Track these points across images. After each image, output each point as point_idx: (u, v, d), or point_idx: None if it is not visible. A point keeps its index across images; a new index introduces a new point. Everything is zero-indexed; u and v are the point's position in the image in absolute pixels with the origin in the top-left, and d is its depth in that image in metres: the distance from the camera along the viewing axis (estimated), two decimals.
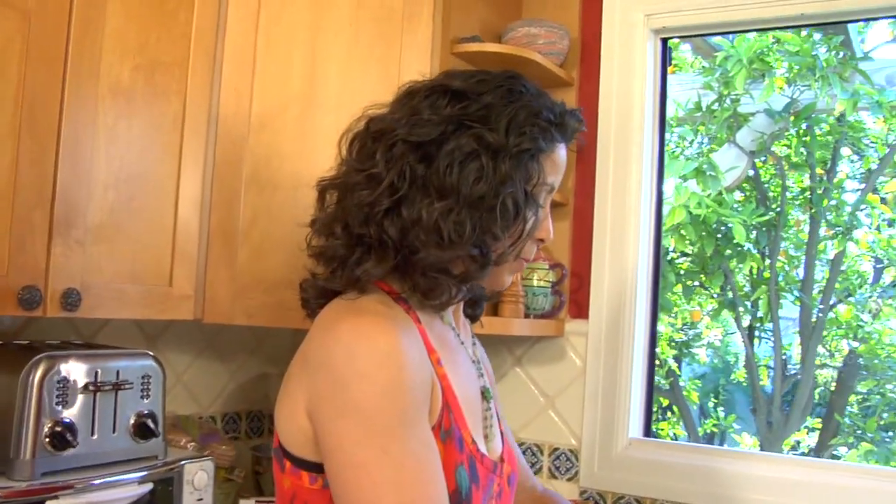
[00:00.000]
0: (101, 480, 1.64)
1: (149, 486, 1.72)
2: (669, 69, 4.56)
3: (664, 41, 2.30)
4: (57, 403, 1.62)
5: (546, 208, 1.18)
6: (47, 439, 1.60)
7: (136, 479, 1.70)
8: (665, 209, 3.99)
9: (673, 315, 5.54)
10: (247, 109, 1.94)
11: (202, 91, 1.88)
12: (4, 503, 1.54)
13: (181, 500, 1.79)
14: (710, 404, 6.38)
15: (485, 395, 1.23)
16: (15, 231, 1.54)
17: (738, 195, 4.72)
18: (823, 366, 5.37)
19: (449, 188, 1.07)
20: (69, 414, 1.63)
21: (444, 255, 1.07)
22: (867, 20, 3.30)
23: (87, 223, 1.66)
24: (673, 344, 5.54)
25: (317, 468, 1.06)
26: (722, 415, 6.03)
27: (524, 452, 2.31)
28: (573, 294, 2.29)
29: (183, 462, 1.80)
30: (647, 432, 2.27)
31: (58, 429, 1.61)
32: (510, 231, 1.11)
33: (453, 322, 1.24)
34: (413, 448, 0.99)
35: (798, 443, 5.20)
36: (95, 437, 1.67)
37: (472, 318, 1.35)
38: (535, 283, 2.20)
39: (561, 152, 1.17)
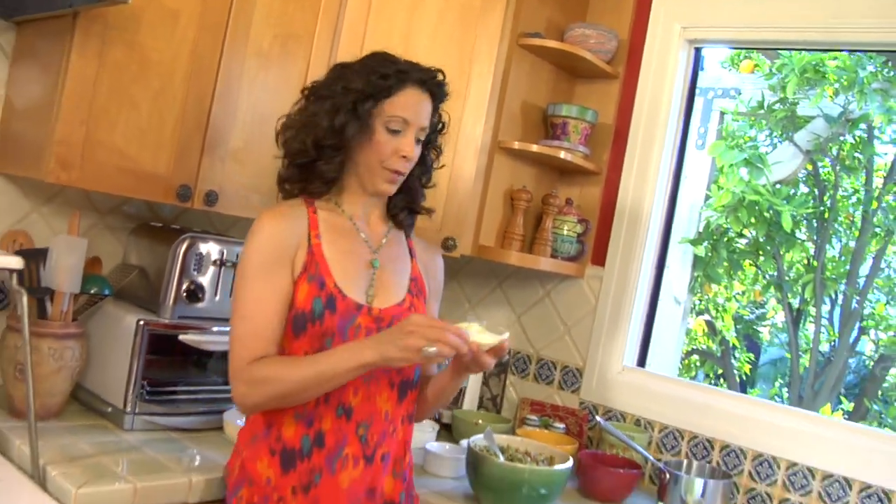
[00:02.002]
0: (218, 328, 2.32)
1: None
2: (748, 66, 4.97)
3: (697, 49, 2.79)
4: (194, 270, 2.29)
5: (408, 134, 1.77)
6: (184, 293, 2.27)
7: None
8: (715, 191, 4.45)
9: (740, 293, 5.96)
10: None
11: (322, 56, 2.47)
12: (154, 332, 2.22)
13: None
14: (778, 383, 6.74)
15: (372, 264, 1.81)
16: (179, 146, 2.19)
17: (803, 188, 5.11)
18: (865, 356, 5.71)
19: (301, 117, 1.83)
20: (201, 278, 2.30)
21: (294, 159, 1.83)
22: (884, 51, 3.63)
23: (228, 146, 2.30)
24: (738, 320, 5.97)
25: None
26: (776, 389, 6.41)
27: (541, 367, 2.90)
28: (596, 245, 2.83)
29: None
30: (641, 364, 2.82)
31: (191, 287, 2.28)
32: (338, 137, 1.76)
33: (358, 218, 1.84)
34: (258, 285, 1.69)
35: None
36: (217, 297, 2.34)
37: (396, 222, 1.92)
38: (564, 231, 2.76)
39: (406, 96, 1.77)
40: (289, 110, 1.85)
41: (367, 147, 1.76)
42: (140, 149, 2.12)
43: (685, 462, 2.43)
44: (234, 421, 2.27)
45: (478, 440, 2.17)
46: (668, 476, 2.26)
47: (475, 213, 2.57)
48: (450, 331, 1.57)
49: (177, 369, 2.36)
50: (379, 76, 1.74)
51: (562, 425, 2.64)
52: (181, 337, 2.25)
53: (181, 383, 2.34)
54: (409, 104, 1.77)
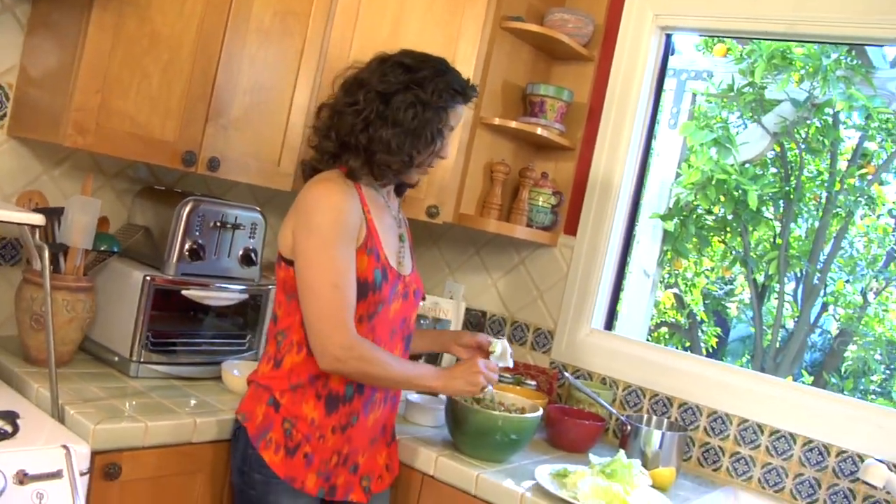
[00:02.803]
0: (218, 284, 2.49)
1: (246, 296, 2.56)
2: (721, 50, 5.16)
3: (668, 35, 2.98)
4: (195, 230, 2.44)
5: (447, 139, 2.03)
6: (187, 252, 2.43)
7: (238, 289, 2.55)
8: (682, 168, 4.64)
9: (709, 269, 6.16)
10: (347, 49, 2.65)
11: (318, 33, 2.63)
12: (159, 287, 2.39)
13: (266, 309, 2.63)
14: (744, 360, 6.95)
15: (401, 238, 2.11)
16: (185, 115, 2.35)
17: (771, 169, 5.32)
18: (826, 332, 5.96)
19: (398, 121, 1.95)
20: (202, 239, 2.47)
21: (390, 158, 1.96)
22: (848, 44, 3.83)
23: (230, 115, 2.47)
24: (707, 295, 6.18)
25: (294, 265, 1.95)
26: (740, 362, 6.62)
27: (516, 329, 3.11)
28: (568, 216, 3.03)
29: (269, 287, 2.63)
30: (609, 327, 3.03)
31: (194, 247, 2.43)
32: (428, 150, 1.99)
33: (386, 197, 2.09)
34: (343, 255, 1.88)
35: None
36: (216, 256, 2.51)
37: (399, 193, 2.19)
38: (539, 202, 2.95)
39: (460, 108, 2.05)
40: (360, 101, 1.98)
41: (428, 148, 2.00)
42: (150, 116, 2.28)
43: (645, 417, 2.64)
44: (232, 371, 2.44)
45: None
46: (629, 428, 2.47)
47: (457, 183, 2.75)
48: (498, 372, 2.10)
49: (177, 323, 2.50)
50: (454, 91, 1.99)
51: (533, 382, 2.85)
52: (184, 292, 2.42)
53: (182, 336, 2.50)
54: (460, 115, 2.07)
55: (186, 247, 2.44)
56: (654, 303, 5.12)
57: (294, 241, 1.93)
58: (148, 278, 2.36)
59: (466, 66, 2.67)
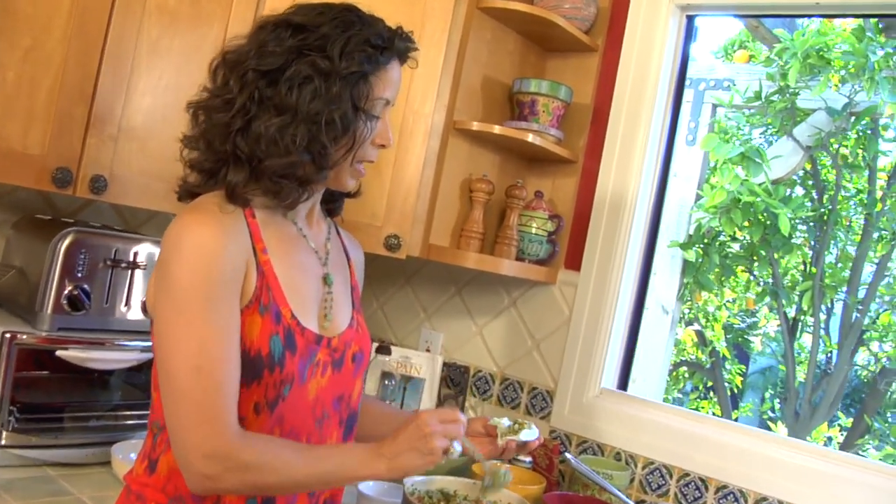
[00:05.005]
0: (111, 341, 1.93)
1: (148, 356, 1.98)
2: (743, 56, 4.60)
3: (690, 18, 2.40)
4: (78, 271, 1.89)
5: (384, 119, 1.40)
6: (66, 300, 1.87)
7: (138, 347, 1.97)
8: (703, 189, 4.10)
9: (731, 301, 5.65)
10: None
11: (244, 19, 2.08)
12: (25, 346, 1.82)
13: None
14: (768, 394, 6.47)
15: (325, 280, 1.45)
16: (57, 121, 1.81)
17: (798, 190, 4.77)
18: (861, 367, 5.39)
19: (287, 106, 1.30)
20: (88, 282, 1.90)
21: (282, 161, 1.30)
22: (880, 16, 3.30)
23: (121, 122, 1.90)
24: (728, 328, 5.66)
25: None
26: (769, 403, 6.11)
27: (506, 388, 2.50)
28: (570, 246, 2.44)
29: None
30: (623, 386, 2.42)
31: (74, 292, 1.88)
32: (341, 141, 1.34)
33: (301, 219, 1.45)
34: (213, 320, 1.24)
35: (830, 439, 5.26)
36: (107, 304, 1.94)
37: (330, 212, 1.57)
38: (532, 230, 2.36)
39: (393, 71, 1.39)
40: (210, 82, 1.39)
41: (343, 138, 1.36)
42: (4, 121, 1.74)
43: None
44: (128, 455, 1.90)
45: (417, 483, 1.76)
46: None
47: (425, 206, 2.16)
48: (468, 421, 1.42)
49: (57, 391, 1.97)
50: (373, 48, 1.34)
51: (528, 458, 2.24)
52: (59, 353, 1.86)
53: (63, 408, 1.96)
54: (394, 81, 1.41)
55: (66, 293, 1.89)
56: (674, 342, 4.59)
57: (153, 301, 1.33)
58: (7, 335, 1.81)
59: (434, 53, 2.14)
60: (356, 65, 1.32)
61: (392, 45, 1.37)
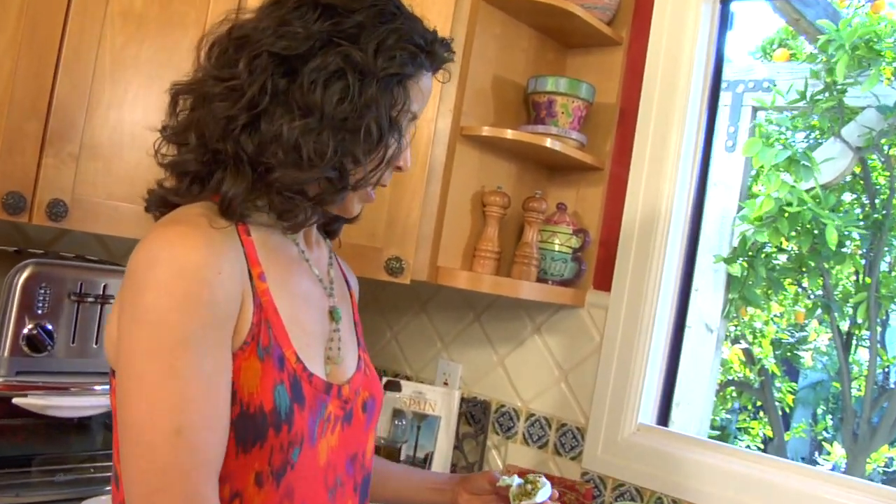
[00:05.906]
0: (79, 385, 1.72)
1: None
2: (783, 55, 4.32)
3: (724, 3, 2.15)
4: (38, 307, 1.67)
5: (407, 137, 1.14)
6: (24, 341, 1.66)
7: (108, 391, 1.74)
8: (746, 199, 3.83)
9: (779, 315, 5.37)
10: None
11: (224, 14, 1.88)
12: None
13: None
14: (820, 410, 6.19)
15: (332, 315, 1.18)
16: (6, 139, 1.60)
17: (846, 195, 4.48)
18: None
19: (312, 106, 1.03)
20: (51, 320, 1.69)
21: (301, 175, 1.04)
22: None
23: (82, 140, 1.69)
24: (776, 343, 5.38)
25: None
26: (823, 422, 5.82)
27: (532, 425, 2.24)
28: (598, 264, 2.18)
29: None
30: (663, 421, 2.15)
31: (34, 332, 1.67)
32: (371, 156, 1.08)
33: (301, 242, 1.18)
34: (203, 369, 0.95)
35: (892, 459, 4.95)
36: (75, 345, 1.72)
37: (330, 234, 1.31)
38: (555, 247, 2.11)
39: (427, 81, 1.14)
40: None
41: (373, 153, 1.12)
42: None
43: None
44: None
45: None
46: None
47: (431, 223, 1.92)
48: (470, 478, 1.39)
49: (21, 442, 1.75)
50: (416, 49, 1.10)
51: None
52: (16, 401, 1.64)
53: (26, 461, 1.74)
54: (426, 93, 1.17)
55: (24, 332, 1.68)
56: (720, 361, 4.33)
57: (117, 339, 1.03)
58: None
59: None
60: (396, 66, 1.07)
61: (433, 49, 1.13)
